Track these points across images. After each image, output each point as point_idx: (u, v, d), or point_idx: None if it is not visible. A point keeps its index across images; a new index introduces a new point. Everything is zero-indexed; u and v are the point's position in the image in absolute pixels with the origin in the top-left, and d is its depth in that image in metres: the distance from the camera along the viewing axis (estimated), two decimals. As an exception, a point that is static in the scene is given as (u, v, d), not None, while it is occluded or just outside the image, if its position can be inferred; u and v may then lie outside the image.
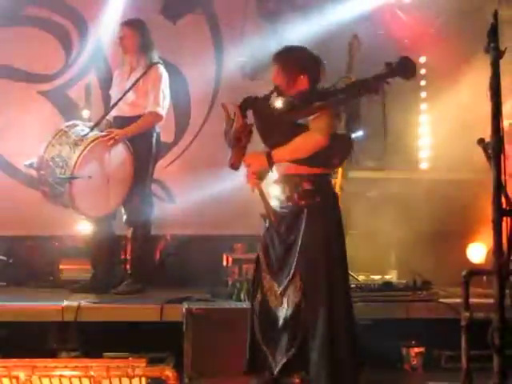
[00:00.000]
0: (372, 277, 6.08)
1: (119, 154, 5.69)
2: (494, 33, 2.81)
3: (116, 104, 5.76)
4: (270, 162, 3.97)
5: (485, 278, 4.85)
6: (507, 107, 4.47)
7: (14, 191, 6.50)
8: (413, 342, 5.25)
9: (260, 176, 4.00)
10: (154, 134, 5.85)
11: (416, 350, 5.22)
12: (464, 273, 3.43)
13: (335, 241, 3.99)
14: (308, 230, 3.94)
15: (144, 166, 5.79)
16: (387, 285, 5.59)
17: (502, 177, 2.80)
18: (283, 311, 3.96)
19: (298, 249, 3.93)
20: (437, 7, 6.69)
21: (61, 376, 2.60)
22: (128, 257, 6.08)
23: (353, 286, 5.09)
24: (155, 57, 5.86)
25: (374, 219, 6.20)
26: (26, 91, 6.65)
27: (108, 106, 5.97)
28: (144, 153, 5.79)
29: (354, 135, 5.03)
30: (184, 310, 4.90)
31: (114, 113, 5.83)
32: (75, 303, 5.17)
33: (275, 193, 4.11)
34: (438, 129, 6.89)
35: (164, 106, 5.82)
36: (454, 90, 6.32)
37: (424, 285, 5.52)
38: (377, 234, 6.23)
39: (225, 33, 6.88)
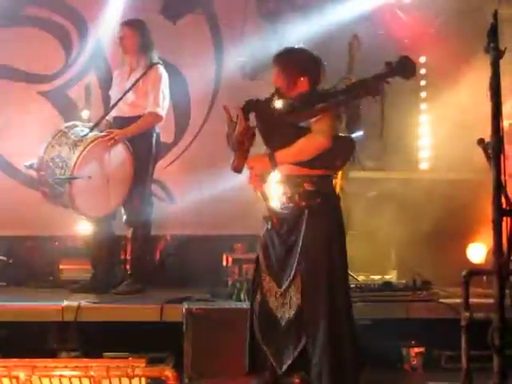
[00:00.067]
0: (372, 277, 6.09)
1: (119, 154, 5.69)
2: (493, 33, 2.81)
3: (116, 104, 5.77)
4: (273, 165, 3.97)
5: (485, 278, 4.84)
6: (507, 107, 4.46)
7: (14, 191, 6.50)
8: (413, 342, 5.25)
9: (263, 178, 4.00)
10: (154, 135, 5.85)
11: (416, 350, 5.22)
12: (464, 273, 3.43)
13: (336, 242, 3.99)
14: (309, 231, 3.94)
15: (144, 166, 5.79)
16: (387, 285, 5.59)
17: (502, 177, 2.80)
18: (285, 312, 3.96)
19: (299, 250, 3.93)
20: (436, 7, 6.70)
21: (61, 376, 2.60)
22: (128, 257, 6.08)
23: (353, 286, 5.09)
24: (155, 57, 5.86)
25: (373, 219, 6.20)
26: (26, 91, 6.65)
27: (108, 107, 5.97)
28: (144, 153, 5.79)
29: (354, 136, 5.03)
30: (184, 310, 4.90)
31: (113, 113, 5.83)
32: (75, 303, 5.17)
33: (277, 193, 4.10)
34: (437, 129, 6.89)
35: (164, 106, 5.82)
36: (453, 90, 6.32)
37: (424, 285, 5.52)
38: (377, 234, 6.23)
39: (225, 33, 6.88)
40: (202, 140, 6.78)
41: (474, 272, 3.57)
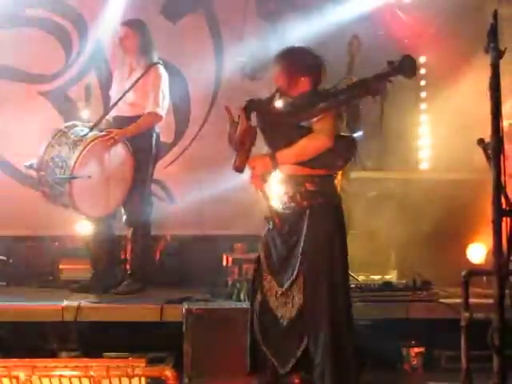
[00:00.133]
0: (372, 277, 6.08)
1: (119, 154, 5.69)
2: (493, 33, 2.81)
3: (115, 104, 5.76)
4: (275, 165, 3.97)
5: (485, 278, 4.85)
6: (507, 107, 4.47)
7: (14, 191, 6.50)
8: (413, 342, 5.25)
9: (264, 178, 4.00)
10: (154, 134, 5.85)
11: (416, 350, 5.22)
12: (464, 273, 3.43)
13: (337, 241, 4.00)
14: (310, 231, 3.95)
15: (144, 166, 5.79)
16: (387, 285, 5.59)
17: (502, 177, 2.80)
18: (286, 312, 3.96)
19: (301, 250, 3.94)
20: (436, 7, 6.69)
21: (61, 376, 2.60)
22: (128, 257, 6.07)
23: (353, 286, 5.09)
24: (155, 57, 5.86)
25: (373, 219, 6.20)
26: (26, 92, 6.65)
27: (108, 106, 5.97)
28: (144, 153, 5.78)
29: (354, 135, 5.03)
30: (184, 310, 4.90)
31: (113, 113, 5.83)
32: (75, 303, 5.17)
33: (278, 193, 4.10)
34: (437, 129, 6.89)
35: (164, 106, 5.82)
36: (453, 90, 6.32)
37: (424, 285, 5.52)
38: (377, 234, 6.23)
39: (225, 33, 6.88)
40: (202, 140, 6.78)
41: (474, 272, 3.58)
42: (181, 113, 6.74)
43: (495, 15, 2.83)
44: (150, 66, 5.79)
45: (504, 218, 2.80)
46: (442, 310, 5.26)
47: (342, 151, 4.04)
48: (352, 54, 5.86)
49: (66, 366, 2.62)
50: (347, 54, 5.84)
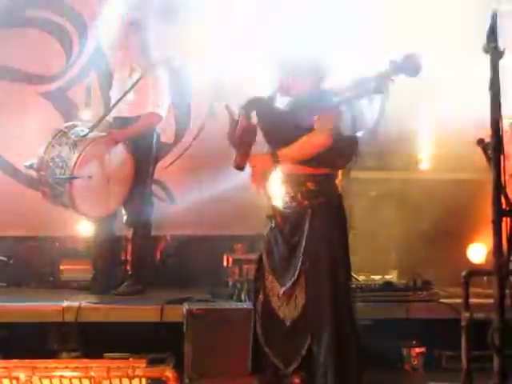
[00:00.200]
0: (372, 277, 6.07)
1: (119, 154, 5.69)
2: (493, 33, 2.81)
3: (116, 104, 5.76)
4: (275, 163, 3.97)
5: (485, 278, 4.85)
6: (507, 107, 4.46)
7: (14, 191, 6.50)
8: (413, 342, 5.25)
9: (265, 176, 4.00)
10: (154, 135, 5.85)
11: (416, 350, 5.22)
12: (464, 273, 3.42)
13: (339, 241, 3.99)
14: (312, 230, 3.93)
15: (144, 166, 5.79)
16: (387, 285, 5.59)
17: (502, 177, 2.79)
18: (290, 312, 3.96)
19: (303, 250, 3.93)
20: (436, 7, 6.68)
21: (61, 377, 2.60)
22: (128, 257, 6.08)
23: (353, 286, 5.08)
24: (155, 57, 5.86)
25: (374, 219, 6.20)
26: (27, 92, 6.65)
27: (108, 107, 5.97)
28: (144, 153, 5.79)
29: (356, 135, 5.02)
30: (184, 310, 4.90)
31: (113, 113, 5.83)
32: (76, 304, 5.18)
33: (279, 192, 4.10)
34: (437, 129, 6.88)
35: (164, 106, 5.82)
36: (453, 90, 6.31)
37: (424, 285, 5.52)
38: (377, 234, 6.23)
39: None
40: (203, 140, 6.77)
41: (474, 272, 3.57)
42: (181, 113, 6.73)
43: (495, 15, 2.83)
44: (150, 66, 5.79)
45: (504, 218, 2.80)
46: (442, 310, 5.26)
47: (344, 150, 4.04)
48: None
49: (66, 367, 2.62)
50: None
